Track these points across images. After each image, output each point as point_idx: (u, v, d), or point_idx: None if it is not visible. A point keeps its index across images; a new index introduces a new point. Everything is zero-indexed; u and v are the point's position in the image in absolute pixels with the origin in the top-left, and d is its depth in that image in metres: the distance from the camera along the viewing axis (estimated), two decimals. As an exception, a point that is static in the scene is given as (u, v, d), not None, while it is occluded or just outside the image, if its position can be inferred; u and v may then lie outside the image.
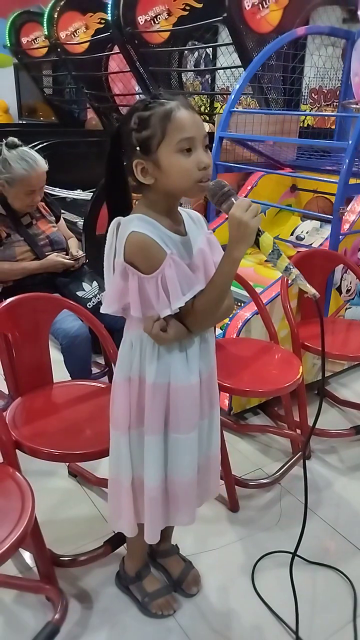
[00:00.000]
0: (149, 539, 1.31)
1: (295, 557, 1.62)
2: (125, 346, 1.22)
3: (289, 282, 1.11)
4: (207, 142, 1.09)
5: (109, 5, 3.78)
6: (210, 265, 1.16)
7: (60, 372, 1.94)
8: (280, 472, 1.96)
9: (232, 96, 2.84)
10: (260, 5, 3.00)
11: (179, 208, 1.19)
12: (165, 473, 1.25)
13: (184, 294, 1.09)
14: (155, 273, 1.07)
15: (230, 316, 2.26)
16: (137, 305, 1.11)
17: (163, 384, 1.18)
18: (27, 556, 1.60)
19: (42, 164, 2.13)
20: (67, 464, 1.96)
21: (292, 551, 1.63)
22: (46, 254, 2.23)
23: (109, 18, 3.86)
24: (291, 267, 1.09)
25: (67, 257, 2.26)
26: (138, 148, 1.07)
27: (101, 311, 1.18)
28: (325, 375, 2.63)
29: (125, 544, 1.56)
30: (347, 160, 2.22)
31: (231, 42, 3.27)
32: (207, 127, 3.78)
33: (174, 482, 1.26)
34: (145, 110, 1.06)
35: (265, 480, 1.93)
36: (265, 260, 1.09)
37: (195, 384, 1.21)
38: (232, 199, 1.08)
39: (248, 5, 2.98)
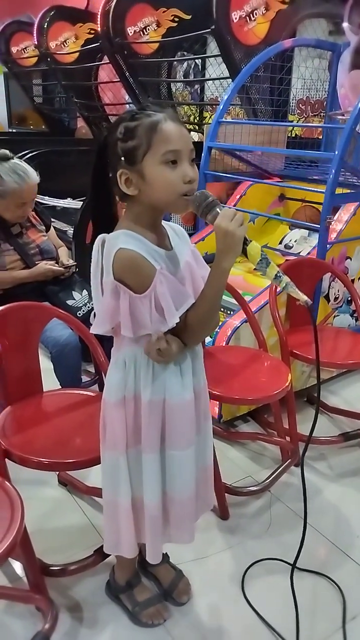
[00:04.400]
0: (152, 558, 1.30)
1: (284, 564, 1.65)
2: (117, 366, 1.19)
3: (279, 289, 1.11)
4: (194, 156, 1.09)
5: (99, 16, 3.81)
6: (197, 277, 1.15)
7: (50, 380, 1.94)
8: (270, 479, 1.96)
9: (221, 107, 2.87)
10: (247, 18, 3.04)
11: (162, 222, 1.18)
12: (164, 490, 1.24)
13: (176, 309, 1.08)
14: (148, 291, 1.06)
15: (220, 324, 2.27)
16: (129, 325, 1.09)
17: (158, 400, 1.18)
18: (17, 566, 1.59)
19: (34, 177, 2.14)
20: (57, 472, 1.96)
21: (283, 559, 1.66)
22: (36, 263, 2.23)
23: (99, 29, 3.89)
24: (281, 274, 1.08)
25: (56, 265, 2.26)
26: (123, 158, 1.06)
27: (91, 331, 1.17)
28: (315, 383, 2.65)
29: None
30: (333, 170, 2.25)
31: (219, 53, 3.31)
32: (196, 136, 3.85)
33: (173, 500, 1.25)
34: (131, 120, 1.06)
35: (255, 488, 1.94)
36: (254, 269, 1.09)
37: (190, 400, 1.21)
38: (217, 209, 1.06)
39: (236, 18, 3.02)
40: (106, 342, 1.79)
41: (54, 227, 2.51)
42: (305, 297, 1.08)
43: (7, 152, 2.14)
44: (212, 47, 4.17)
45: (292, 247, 3.02)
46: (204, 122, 4.95)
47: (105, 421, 1.24)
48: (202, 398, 1.27)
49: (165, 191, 1.06)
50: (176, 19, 3.67)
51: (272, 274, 1.08)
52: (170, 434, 1.20)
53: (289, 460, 2.09)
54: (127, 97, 5.08)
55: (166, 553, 1.58)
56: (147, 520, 1.25)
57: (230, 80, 3.41)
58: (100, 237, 1.10)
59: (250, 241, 1.07)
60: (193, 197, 1.07)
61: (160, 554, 1.31)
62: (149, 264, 1.06)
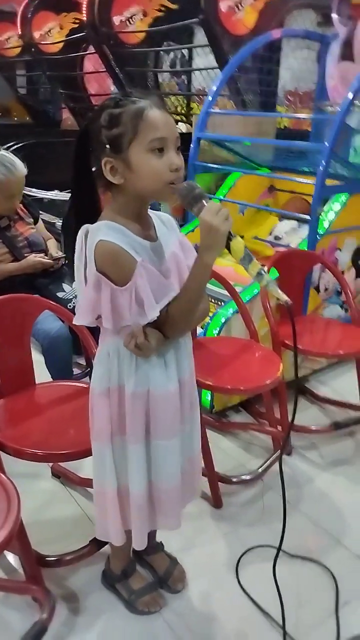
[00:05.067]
0: (138, 545, 1.31)
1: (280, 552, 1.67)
2: (101, 357, 1.20)
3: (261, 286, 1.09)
4: (179, 144, 1.07)
5: (84, 5, 3.77)
6: (184, 269, 1.14)
7: (40, 373, 1.93)
8: (262, 468, 1.98)
9: (210, 97, 2.86)
10: (236, 7, 3.03)
11: (149, 211, 1.17)
12: (151, 479, 1.25)
13: (157, 302, 1.07)
14: (129, 284, 1.05)
15: (211, 315, 2.28)
16: (109, 317, 1.09)
17: (142, 392, 1.18)
18: (12, 558, 1.59)
19: (21, 169, 2.12)
20: (51, 465, 1.96)
21: (276, 546, 1.67)
22: (25, 255, 2.22)
23: (84, 18, 3.85)
24: (263, 272, 1.06)
25: (45, 257, 2.25)
26: (108, 146, 1.05)
27: (74, 322, 1.16)
28: (305, 374, 2.68)
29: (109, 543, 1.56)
30: (323, 162, 2.26)
31: (207, 43, 3.29)
32: (184, 127, 3.83)
33: (158, 489, 1.26)
34: (116, 107, 1.04)
35: (247, 477, 1.96)
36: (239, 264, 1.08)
37: (174, 391, 1.21)
38: (203, 202, 1.05)
39: (224, 8, 3.01)
40: (98, 333, 1.79)
41: (42, 220, 2.49)
42: (285, 297, 1.07)
43: None
44: (200, 38, 4.15)
45: (281, 238, 3.03)
46: (191, 112, 4.94)
47: (92, 412, 1.25)
48: (188, 389, 1.26)
49: (151, 179, 1.05)
50: (163, 9, 3.65)
51: (254, 271, 1.06)
52: (154, 424, 1.21)
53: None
54: (112, 87, 5.05)
55: (161, 542, 1.60)
56: (132, 509, 1.26)
57: (219, 70, 3.40)
58: (83, 227, 1.09)
59: (235, 236, 1.05)
60: (180, 187, 1.06)
61: (146, 541, 1.32)
62: (129, 257, 1.05)
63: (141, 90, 1.12)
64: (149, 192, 1.08)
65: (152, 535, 1.57)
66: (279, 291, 1.07)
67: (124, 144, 1.04)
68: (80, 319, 1.13)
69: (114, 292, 1.06)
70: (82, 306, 1.12)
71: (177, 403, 1.22)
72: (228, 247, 1.06)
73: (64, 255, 2.31)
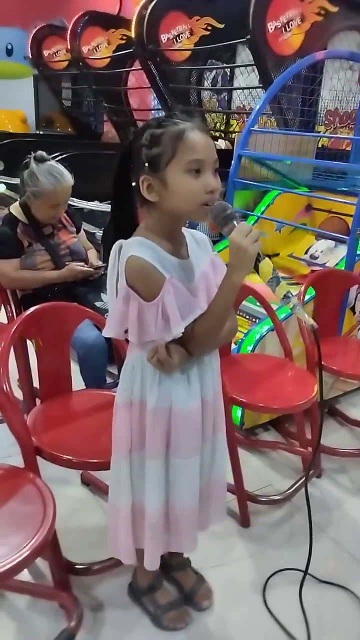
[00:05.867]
0: (149, 565, 1.31)
1: (307, 576, 1.64)
2: (127, 369, 1.22)
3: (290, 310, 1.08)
4: (217, 167, 1.09)
5: (133, 23, 3.86)
6: (212, 288, 1.15)
7: (74, 380, 1.96)
8: (293, 489, 1.96)
9: (252, 116, 2.89)
10: (283, 29, 3.06)
11: (184, 229, 1.18)
12: (167, 498, 1.25)
13: (183, 319, 1.08)
14: (156, 300, 1.07)
15: (245, 332, 2.28)
16: (135, 331, 1.11)
17: (164, 407, 1.18)
18: (40, 563, 1.60)
19: (69, 179, 2.17)
20: (81, 472, 1.98)
21: (303, 569, 1.65)
22: (66, 263, 2.26)
23: (132, 35, 3.94)
24: (290, 295, 1.06)
25: (86, 266, 2.29)
26: (147, 164, 1.08)
27: (103, 334, 1.18)
28: (336, 395, 2.65)
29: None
30: (366, 183, 2.25)
31: (252, 62, 3.33)
32: (222, 144, 3.86)
33: (174, 508, 1.25)
34: (158, 127, 1.07)
35: (277, 497, 1.94)
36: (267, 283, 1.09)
37: (196, 408, 1.21)
38: (234, 222, 1.06)
39: (271, 29, 3.04)
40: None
41: (83, 230, 2.54)
42: (311, 321, 1.06)
43: (44, 153, 2.17)
44: (243, 57, 4.21)
45: (317, 257, 3.02)
46: (230, 130, 4.98)
47: (114, 424, 1.26)
48: (211, 408, 1.25)
49: (186, 200, 1.07)
50: (209, 28, 3.71)
51: (281, 293, 1.06)
52: (175, 442, 1.20)
53: (312, 471, 2.08)
54: (153, 102, 5.14)
55: (188, 558, 1.60)
56: (146, 528, 1.26)
57: (262, 89, 3.44)
58: (118, 242, 1.12)
59: (264, 258, 1.06)
60: (212, 207, 1.07)
61: (158, 562, 1.30)
62: (158, 273, 1.07)
63: (185, 111, 1.15)
64: (183, 211, 1.10)
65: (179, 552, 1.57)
66: (305, 315, 1.07)
67: (162, 164, 1.06)
68: (109, 331, 1.16)
69: (142, 307, 1.09)
70: (111, 318, 1.15)
71: (199, 421, 1.22)
72: (257, 268, 1.06)
73: (104, 264, 2.35)
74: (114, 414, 1.26)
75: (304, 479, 2.02)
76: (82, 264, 2.29)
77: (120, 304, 1.10)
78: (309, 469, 1.50)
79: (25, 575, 1.57)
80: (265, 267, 1.05)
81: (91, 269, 2.27)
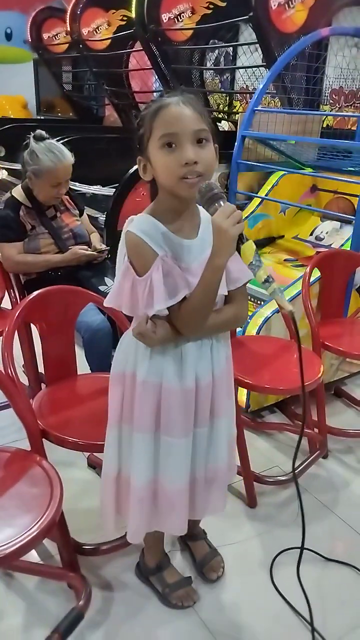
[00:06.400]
0: (131, 537, 1.32)
1: (313, 554, 1.66)
2: (123, 342, 1.25)
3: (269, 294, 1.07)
4: (201, 137, 1.06)
5: (134, 3, 3.79)
6: None
7: (79, 364, 1.96)
8: (299, 470, 1.97)
9: (256, 95, 2.84)
10: (286, 5, 3.00)
11: (202, 211, 1.17)
12: (155, 476, 1.25)
13: (170, 298, 1.09)
14: (145, 276, 1.09)
15: (251, 314, 2.27)
16: (128, 303, 1.14)
17: (154, 383, 1.19)
18: (48, 544, 1.62)
19: (69, 157, 2.15)
20: (87, 455, 1.99)
21: (311, 548, 1.66)
22: (69, 247, 2.25)
23: (133, 15, 3.87)
24: (271, 280, 1.04)
25: (89, 249, 2.27)
26: (138, 146, 1.10)
27: (104, 304, 1.21)
28: (343, 376, 2.64)
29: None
30: (371, 161, 2.22)
31: (255, 41, 3.27)
32: (226, 125, 3.79)
33: (164, 488, 1.26)
34: (146, 109, 1.09)
35: (284, 478, 1.94)
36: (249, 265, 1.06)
37: (189, 389, 1.20)
38: (219, 203, 1.04)
39: (274, 5, 2.98)
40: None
41: (86, 214, 2.52)
42: (290, 307, 1.04)
43: (43, 132, 2.16)
44: (246, 35, 4.13)
45: (323, 239, 2.99)
46: (233, 110, 4.92)
47: (109, 392, 1.29)
48: (208, 392, 1.24)
49: (165, 175, 1.07)
50: (211, 6, 3.63)
51: (262, 277, 1.03)
52: (165, 418, 1.21)
53: (318, 452, 2.09)
54: (155, 84, 5.07)
55: (204, 530, 1.63)
56: (131, 502, 1.27)
57: (264, 68, 3.38)
58: (130, 217, 1.15)
59: (247, 240, 1.04)
60: (200, 187, 1.06)
61: (141, 537, 1.34)
62: (150, 250, 1.09)
63: (189, 89, 1.14)
64: (167, 187, 1.10)
65: (196, 522, 1.61)
66: (285, 301, 1.05)
67: (144, 143, 1.08)
68: (109, 301, 1.19)
69: (134, 281, 1.11)
70: (113, 289, 1.18)
71: (191, 402, 1.21)
72: (239, 250, 1.05)
73: (107, 247, 2.33)
74: (109, 385, 1.29)
75: (309, 460, 2.03)
76: (85, 247, 2.27)
77: (119, 276, 1.14)
78: (296, 453, 1.49)
79: (34, 557, 1.59)
80: (247, 250, 1.03)
81: (94, 253, 2.26)
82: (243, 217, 1.11)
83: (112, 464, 1.29)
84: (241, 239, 1.04)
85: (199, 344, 1.20)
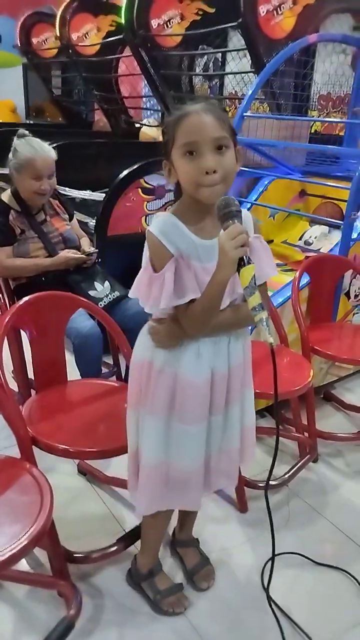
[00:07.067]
0: (143, 511, 1.36)
1: (303, 559, 1.66)
2: (144, 331, 1.29)
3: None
4: (221, 144, 1.08)
5: (123, 8, 3.80)
6: None
7: (69, 370, 1.95)
8: (289, 474, 1.97)
9: (245, 100, 2.86)
10: (275, 12, 3.02)
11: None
12: (167, 459, 1.28)
13: (178, 298, 1.13)
14: (159, 273, 1.13)
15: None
16: (143, 297, 1.18)
17: (170, 372, 1.23)
18: (38, 552, 1.60)
19: (49, 150, 2.17)
20: (77, 462, 1.98)
21: (301, 553, 1.67)
22: (59, 251, 2.24)
23: (122, 21, 3.88)
24: (260, 309, 1.03)
25: (78, 253, 2.27)
26: (163, 151, 1.15)
27: (129, 295, 1.23)
28: (332, 380, 2.65)
29: (138, 541, 1.57)
30: (360, 167, 2.24)
31: (244, 47, 3.29)
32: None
33: (176, 469, 1.29)
34: (169, 116, 1.14)
35: (274, 482, 1.94)
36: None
37: (203, 380, 1.23)
38: (231, 222, 1.06)
39: (263, 12, 3.00)
40: (127, 333, 1.81)
41: (76, 219, 2.52)
42: (271, 340, 1.02)
43: (25, 131, 2.20)
44: (235, 42, 4.15)
45: (312, 243, 3.01)
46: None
47: (129, 378, 1.34)
48: (223, 383, 1.26)
49: (186, 182, 1.12)
50: (200, 12, 3.65)
51: (253, 304, 1.03)
52: (180, 406, 1.24)
53: (308, 456, 2.09)
54: (144, 90, 5.08)
55: (197, 539, 1.63)
56: (141, 474, 1.31)
57: (252, 74, 3.40)
58: (157, 214, 1.21)
59: (248, 264, 1.04)
60: (219, 200, 1.08)
61: (149, 511, 1.36)
62: (165, 250, 1.12)
63: (203, 96, 1.17)
64: (190, 193, 1.14)
65: (188, 528, 1.62)
66: (267, 334, 1.02)
67: (169, 149, 1.13)
68: (133, 292, 1.21)
69: (151, 277, 1.16)
70: (136, 281, 1.20)
71: (207, 393, 1.24)
72: (239, 272, 1.06)
73: (96, 250, 2.33)
74: (130, 370, 1.34)
75: (300, 464, 2.03)
76: (74, 251, 2.27)
77: (142, 270, 1.18)
78: (269, 478, 1.49)
79: (23, 565, 1.58)
80: (245, 275, 1.05)
81: (84, 256, 2.25)
82: None
83: (132, 441, 1.34)
84: (241, 263, 1.05)
85: (216, 340, 1.22)
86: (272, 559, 1.34)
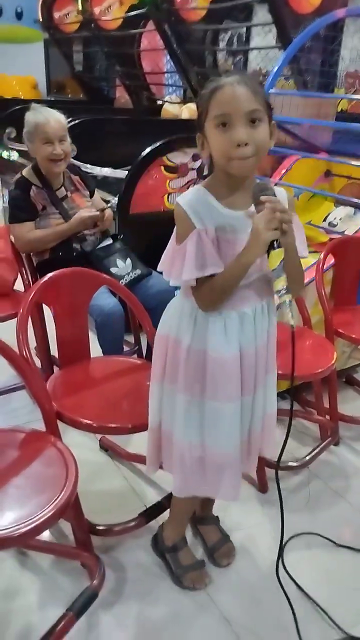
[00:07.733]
0: (177, 491, 1.36)
1: (323, 539, 1.67)
2: (171, 306, 1.30)
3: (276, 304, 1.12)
4: (254, 117, 1.06)
5: (147, -19, 3.72)
6: None
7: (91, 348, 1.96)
8: (311, 456, 1.97)
9: (271, 77, 2.79)
10: (303, -16, 2.94)
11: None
12: (202, 442, 1.27)
13: (198, 270, 1.12)
14: (182, 245, 1.13)
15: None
16: (167, 268, 1.19)
17: (199, 350, 1.22)
18: (62, 524, 1.63)
19: (58, 115, 2.17)
20: (99, 438, 1.99)
21: (322, 534, 1.67)
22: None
23: (146, -6, 3.81)
24: (284, 292, 1.07)
25: (93, 210, 2.25)
26: (197, 123, 1.14)
27: (158, 268, 1.23)
28: (355, 364, 2.63)
29: (160, 516, 1.59)
30: (389, 146, 2.18)
31: (270, 22, 3.20)
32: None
33: (212, 453, 1.28)
34: (204, 88, 1.12)
35: (295, 464, 1.94)
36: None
37: (232, 357, 1.22)
38: (266, 203, 1.08)
39: (291, -16, 2.92)
40: (149, 312, 1.80)
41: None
42: (291, 322, 1.08)
43: (37, 104, 2.23)
44: (260, 16, 4.05)
45: (336, 225, 2.95)
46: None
47: (153, 351, 1.34)
48: (251, 360, 1.25)
49: (218, 154, 1.10)
50: (226, -15, 3.56)
51: (278, 286, 1.08)
52: (211, 384, 1.24)
53: (329, 438, 2.08)
54: (167, 65, 4.99)
55: (217, 516, 1.64)
56: (174, 456, 1.31)
57: (277, 50, 3.32)
58: (192, 187, 1.21)
59: (278, 248, 1.08)
60: (254, 184, 1.11)
61: (186, 493, 1.36)
62: (189, 222, 1.12)
63: (235, 70, 1.15)
64: (221, 166, 1.13)
65: (209, 506, 1.62)
66: (289, 315, 1.08)
67: (202, 121, 1.12)
68: (160, 266, 1.23)
69: (174, 248, 1.17)
70: (164, 254, 1.22)
71: (237, 370, 1.24)
72: (268, 254, 1.09)
73: (110, 203, 2.33)
74: (154, 344, 1.34)
75: (321, 447, 2.03)
76: (88, 209, 2.25)
77: (169, 242, 1.20)
78: (279, 460, 1.48)
79: (48, 537, 1.60)
80: (274, 257, 1.08)
81: (98, 212, 2.24)
82: None
83: (154, 416, 1.35)
84: (272, 245, 1.07)
85: (243, 315, 1.22)
86: (281, 536, 1.37)
